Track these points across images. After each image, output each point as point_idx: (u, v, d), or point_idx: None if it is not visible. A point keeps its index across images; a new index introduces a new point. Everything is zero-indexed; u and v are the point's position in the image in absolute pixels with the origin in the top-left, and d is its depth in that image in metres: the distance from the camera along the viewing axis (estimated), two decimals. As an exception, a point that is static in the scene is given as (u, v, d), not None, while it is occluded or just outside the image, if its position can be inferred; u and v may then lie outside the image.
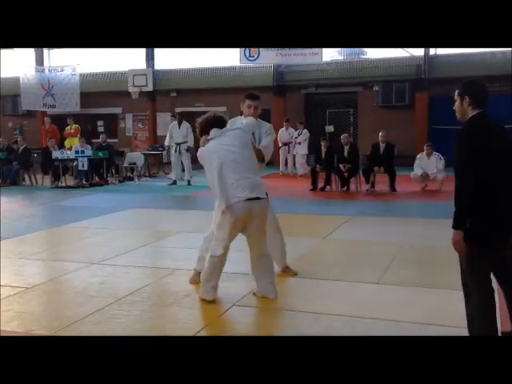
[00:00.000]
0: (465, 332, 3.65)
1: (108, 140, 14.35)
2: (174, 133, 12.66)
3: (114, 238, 6.85)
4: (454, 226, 3.12)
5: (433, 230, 7.05)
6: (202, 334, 3.73)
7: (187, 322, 3.99)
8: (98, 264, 5.58)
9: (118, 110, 19.72)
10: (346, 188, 11.17)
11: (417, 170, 10.92)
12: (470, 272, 3.16)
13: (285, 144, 14.44)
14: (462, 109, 3.22)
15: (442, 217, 7.66)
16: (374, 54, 16.82)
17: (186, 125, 12.68)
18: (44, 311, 4.31)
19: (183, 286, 4.82)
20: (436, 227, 7.18)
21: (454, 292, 4.49)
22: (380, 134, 11.12)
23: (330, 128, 16.76)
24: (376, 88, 16.47)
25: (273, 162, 16.63)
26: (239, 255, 5.03)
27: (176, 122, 12.76)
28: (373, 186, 10.91)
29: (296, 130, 14.34)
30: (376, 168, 10.84)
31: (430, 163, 10.86)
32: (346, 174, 11.08)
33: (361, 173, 11.19)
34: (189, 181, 12.58)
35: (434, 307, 4.22)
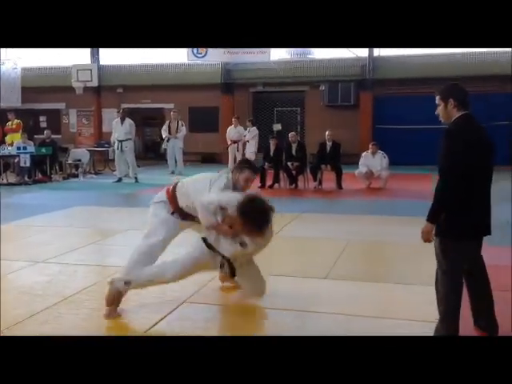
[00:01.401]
0: (413, 324, 3.81)
1: (51, 136, 13.98)
2: (117, 130, 12.47)
3: (59, 236, 6.69)
4: (429, 219, 3.28)
5: (378, 226, 7.25)
6: (153, 331, 3.72)
7: (137, 319, 3.95)
8: (44, 263, 5.44)
9: (61, 106, 19.21)
10: (294, 185, 11.31)
11: (361, 168, 11.19)
12: (444, 262, 3.33)
13: (234, 142, 14.46)
14: (447, 112, 3.35)
15: (386, 214, 7.94)
16: (320, 54, 17.09)
17: (128, 121, 12.51)
18: (-13, 311, 4.16)
19: (133, 284, 4.77)
20: (381, 224, 7.40)
21: (399, 286, 4.66)
22: (327, 132, 11.32)
23: (277, 126, 16.91)
24: (322, 88, 16.73)
25: (221, 160, 16.69)
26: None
27: (119, 119, 12.56)
28: (320, 183, 11.10)
29: (246, 128, 14.39)
30: (323, 166, 11.03)
31: (374, 161, 11.14)
32: (294, 172, 11.22)
33: (308, 170, 11.36)
34: (136, 178, 12.41)
35: (382, 300, 4.36)
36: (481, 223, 3.38)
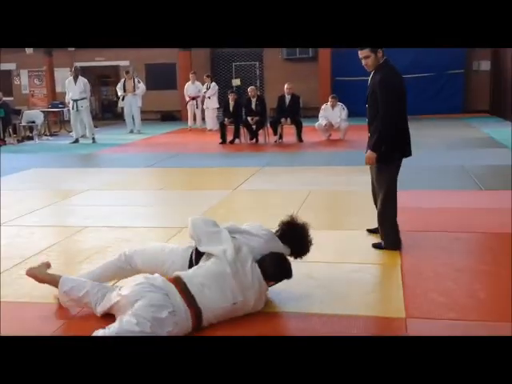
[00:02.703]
0: (370, 267, 3.92)
1: (3, 98, 13.46)
2: (70, 89, 12.09)
3: (16, 200, 6.53)
4: (373, 149, 4.10)
5: (338, 176, 7.34)
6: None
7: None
8: (2, 226, 5.33)
9: (11, 66, 18.45)
10: (254, 140, 11.28)
11: (321, 121, 11.21)
12: (383, 180, 4.21)
13: (192, 98, 14.24)
14: (377, 61, 4.08)
15: (345, 164, 8.03)
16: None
17: (82, 80, 12.13)
18: None
19: (94, 243, 4.73)
20: (341, 174, 7.50)
21: (358, 232, 4.76)
22: (285, 86, 11.24)
23: (236, 81, 16.70)
24: (281, 40, 16.50)
25: (180, 118, 16.44)
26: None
27: (72, 78, 12.17)
28: (281, 137, 11.09)
29: (203, 84, 14.16)
30: (283, 120, 11.00)
31: (333, 113, 11.17)
32: (254, 127, 11.17)
33: (268, 125, 11.33)
34: (93, 138, 12.15)
35: (342, 247, 4.45)
36: (407, 151, 4.25)
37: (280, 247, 3.42)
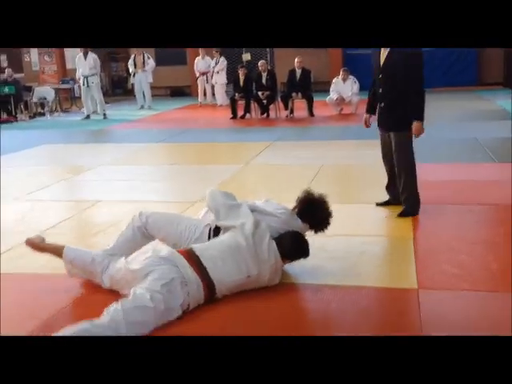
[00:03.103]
0: (381, 239, 3.93)
1: (13, 75, 13.47)
2: (81, 65, 12.06)
3: (28, 175, 6.59)
4: (422, 118, 4.21)
5: (350, 151, 7.31)
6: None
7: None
8: (15, 201, 5.38)
9: (21, 43, 18.40)
10: (265, 115, 11.23)
11: (332, 95, 11.11)
12: (407, 147, 4.36)
13: (202, 73, 14.16)
14: None
15: (357, 138, 7.97)
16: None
17: (92, 56, 12.08)
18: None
19: (107, 217, 4.77)
20: (352, 148, 7.46)
21: (369, 206, 4.75)
22: (296, 59, 11.12)
23: (246, 56, 16.53)
24: (291, 14, 16.27)
25: (191, 93, 16.37)
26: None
27: (81, 54, 12.12)
28: (291, 112, 11.02)
29: (212, 58, 14.05)
30: (294, 94, 10.91)
31: (345, 87, 11.06)
32: (264, 102, 11.10)
33: (279, 99, 11.25)
34: (104, 114, 12.16)
35: (353, 220, 4.44)
36: None
37: (299, 225, 3.40)
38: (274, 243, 3.16)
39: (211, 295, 2.99)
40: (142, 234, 3.39)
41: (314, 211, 3.43)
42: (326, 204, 3.44)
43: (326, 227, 3.47)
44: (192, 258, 2.99)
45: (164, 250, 3.04)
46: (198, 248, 3.09)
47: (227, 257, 3.04)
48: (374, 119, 4.59)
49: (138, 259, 3.02)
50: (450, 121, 9.51)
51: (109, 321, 2.61)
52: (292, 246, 3.25)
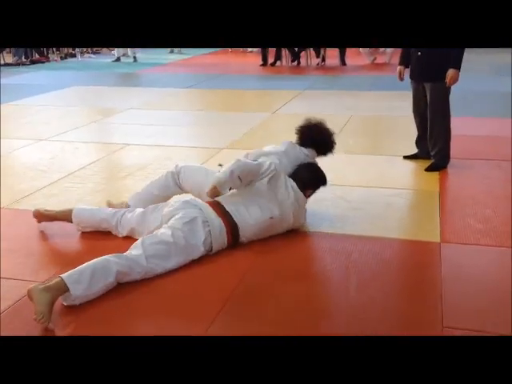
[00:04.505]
0: (408, 192, 3.92)
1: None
2: None
3: (59, 116, 6.68)
4: (459, 67, 4.11)
5: (380, 101, 7.18)
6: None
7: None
8: (46, 141, 5.49)
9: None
10: (296, 63, 11.04)
11: (367, 44, 10.82)
12: (444, 96, 4.28)
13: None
14: None
15: (389, 89, 7.81)
16: None
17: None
18: (-5, 187, 4.27)
19: (135, 160, 4.84)
20: (384, 99, 7.32)
21: (397, 158, 4.72)
22: (331, 5, 10.80)
23: (279, 0, 16.12)
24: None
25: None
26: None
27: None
28: (323, 60, 10.81)
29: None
30: (326, 41, 10.65)
31: (380, 36, 10.74)
32: (296, 49, 10.89)
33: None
34: (134, 57, 12.11)
35: (380, 171, 4.43)
36: None
37: (305, 153, 3.45)
38: (289, 180, 3.23)
39: (235, 238, 3.06)
40: (174, 181, 3.45)
41: (315, 133, 3.50)
42: (324, 125, 3.52)
43: (332, 147, 3.54)
44: (215, 204, 3.08)
45: (189, 196, 3.14)
46: (221, 198, 3.15)
47: (249, 202, 3.11)
48: (408, 72, 4.47)
49: (161, 209, 3.10)
50: (486, 73, 9.22)
51: (129, 253, 2.74)
52: (310, 175, 3.33)
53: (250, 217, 3.07)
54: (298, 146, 3.49)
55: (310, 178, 3.32)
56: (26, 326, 2.37)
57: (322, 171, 3.40)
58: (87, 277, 2.53)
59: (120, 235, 3.21)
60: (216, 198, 3.14)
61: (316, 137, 3.50)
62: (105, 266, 2.60)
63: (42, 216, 3.37)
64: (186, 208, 2.98)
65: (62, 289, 2.46)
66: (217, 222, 2.98)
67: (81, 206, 3.34)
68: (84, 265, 2.59)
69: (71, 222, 3.28)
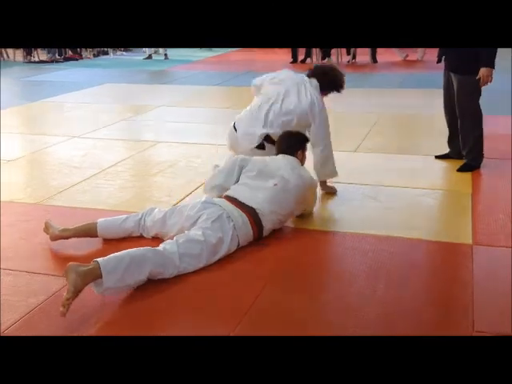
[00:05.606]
0: (436, 192, 3.86)
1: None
2: None
3: (92, 113, 6.78)
4: (492, 65, 3.96)
5: (412, 99, 7.10)
6: (187, 199, 3.86)
7: (173, 189, 4.08)
8: (79, 138, 5.58)
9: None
10: (326, 60, 10.97)
11: (398, 41, 10.68)
12: (475, 93, 4.14)
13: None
14: None
15: (421, 87, 7.71)
16: None
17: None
18: (29, 182, 4.36)
19: (166, 157, 4.89)
20: (415, 97, 7.23)
21: (426, 157, 4.65)
22: (362, 2, 10.70)
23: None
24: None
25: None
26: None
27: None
28: (354, 57, 10.72)
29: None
30: (357, 38, 10.56)
31: (412, 33, 10.60)
32: (326, 46, 10.85)
33: (342, 44, 10.94)
34: (165, 55, 12.21)
35: (409, 172, 4.37)
36: None
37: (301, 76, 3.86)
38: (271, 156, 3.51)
39: (259, 227, 3.10)
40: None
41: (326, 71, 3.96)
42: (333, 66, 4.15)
43: (342, 84, 3.99)
44: (229, 199, 3.17)
45: (203, 197, 3.22)
46: (231, 189, 3.28)
47: (250, 186, 3.23)
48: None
49: (179, 212, 3.13)
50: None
51: (164, 248, 2.78)
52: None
53: (259, 193, 3.16)
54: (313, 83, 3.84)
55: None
56: (57, 322, 2.42)
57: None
58: (122, 269, 2.56)
59: (146, 235, 3.21)
60: (226, 193, 3.25)
61: (324, 72, 3.92)
62: (141, 262, 2.63)
63: (56, 236, 3.13)
64: (208, 208, 3.04)
65: (97, 275, 2.50)
66: (238, 213, 3.05)
67: (101, 219, 3.20)
68: (122, 254, 2.63)
69: (93, 237, 3.16)
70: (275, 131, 3.65)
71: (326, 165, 3.79)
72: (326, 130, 3.78)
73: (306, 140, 3.58)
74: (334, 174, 3.84)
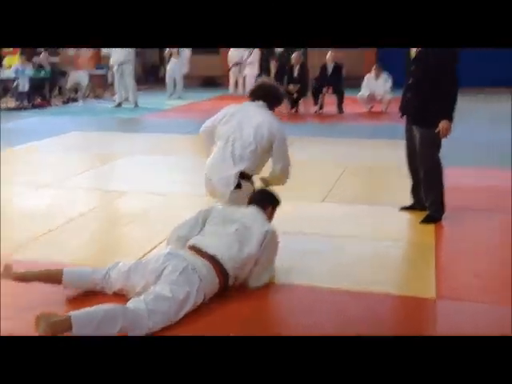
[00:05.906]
0: (404, 246, 3.91)
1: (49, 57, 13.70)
2: (115, 52, 12.12)
3: (59, 162, 6.74)
4: (451, 118, 4.09)
5: (377, 150, 7.26)
6: (155, 251, 3.81)
7: (139, 241, 4.02)
8: (46, 187, 5.52)
9: (58, 27, 18.62)
10: (294, 109, 11.19)
11: (364, 91, 11.00)
12: (434, 146, 4.24)
13: (235, 64, 14.16)
14: None
15: (386, 137, 7.90)
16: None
17: (128, 42, 12.12)
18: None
19: (135, 208, 4.86)
20: (380, 148, 7.40)
21: (391, 208, 4.73)
22: (328, 54, 11.04)
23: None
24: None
25: (223, 83, 16.39)
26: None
27: (117, 41, 12.17)
28: (321, 107, 10.97)
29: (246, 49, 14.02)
30: (324, 89, 10.85)
31: (377, 84, 10.94)
32: (295, 95, 11.06)
33: (310, 94, 11.20)
34: (136, 102, 12.28)
35: (378, 223, 4.43)
36: None
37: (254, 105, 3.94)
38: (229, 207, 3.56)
39: (224, 276, 3.08)
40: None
41: (263, 87, 4.01)
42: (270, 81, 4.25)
43: (280, 96, 4.09)
44: (192, 248, 3.16)
45: (166, 249, 3.20)
46: (193, 238, 3.28)
47: (211, 234, 3.26)
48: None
49: (144, 266, 3.09)
50: (483, 122, 9.35)
51: (133, 306, 2.75)
52: (259, 194, 3.62)
53: (219, 239, 3.18)
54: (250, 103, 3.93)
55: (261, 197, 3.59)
56: None
57: (271, 191, 3.71)
58: (94, 325, 2.55)
59: (108, 291, 3.13)
60: (188, 243, 3.24)
61: (264, 89, 3.97)
62: (113, 318, 2.61)
63: (17, 278, 3.08)
64: (171, 259, 3.02)
65: (67, 327, 2.50)
66: (201, 263, 3.03)
67: (67, 268, 3.18)
68: (94, 310, 2.62)
69: (56, 284, 3.11)
70: (247, 165, 3.71)
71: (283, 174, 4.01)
72: (286, 146, 3.88)
73: (278, 202, 3.61)
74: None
